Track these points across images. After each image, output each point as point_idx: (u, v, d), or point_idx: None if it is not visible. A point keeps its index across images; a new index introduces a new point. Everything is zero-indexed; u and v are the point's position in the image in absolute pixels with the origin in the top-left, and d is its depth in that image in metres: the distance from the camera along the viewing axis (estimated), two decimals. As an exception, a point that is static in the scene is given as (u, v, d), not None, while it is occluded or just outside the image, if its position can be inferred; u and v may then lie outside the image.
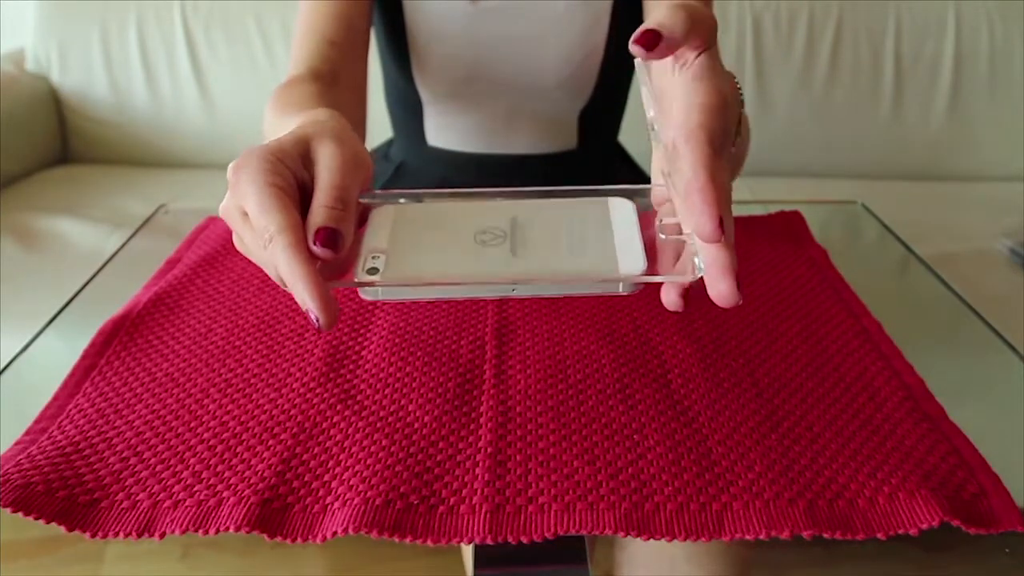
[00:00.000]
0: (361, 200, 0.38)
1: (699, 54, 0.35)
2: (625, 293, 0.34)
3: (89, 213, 1.31)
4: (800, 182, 1.54)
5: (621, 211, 0.37)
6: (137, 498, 0.36)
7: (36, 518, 0.35)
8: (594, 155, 0.85)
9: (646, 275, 0.33)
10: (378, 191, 0.40)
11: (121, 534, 0.35)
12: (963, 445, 0.40)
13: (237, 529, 0.35)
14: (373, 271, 0.34)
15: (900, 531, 0.35)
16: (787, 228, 0.64)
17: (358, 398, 0.43)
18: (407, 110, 0.83)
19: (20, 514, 0.35)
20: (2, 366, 0.49)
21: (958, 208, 1.41)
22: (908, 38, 1.51)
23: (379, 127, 0.89)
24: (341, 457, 0.39)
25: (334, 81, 0.63)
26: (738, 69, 1.50)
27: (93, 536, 0.35)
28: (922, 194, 1.48)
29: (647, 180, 0.41)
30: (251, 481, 0.37)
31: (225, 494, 0.36)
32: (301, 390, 0.43)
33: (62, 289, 0.57)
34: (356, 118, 0.62)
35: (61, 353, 0.50)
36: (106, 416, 0.42)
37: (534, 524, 0.35)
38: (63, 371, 0.46)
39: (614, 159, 0.89)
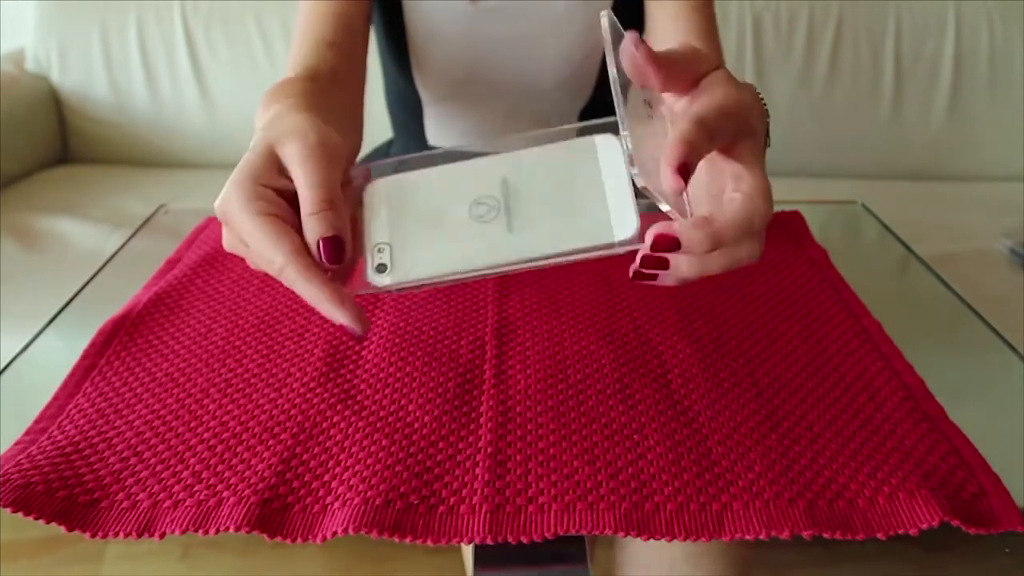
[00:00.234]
0: (353, 177, 0.38)
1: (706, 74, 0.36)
2: (623, 252, 0.35)
3: (89, 213, 1.31)
4: (800, 182, 1.54)
5: (609, 153, 0.37)
6: (137, 498, 0.36)
7: (36, 518, 0.35)
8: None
9: (639, 240, 0.35)
10: (362, 164, 0.40)
11: (121, 534, 0.35)
12: (963, 445, 0.40)
13: (237, 529, 0.35)
14: (382, 268, 0.36)
15: (900, 531, 0.35)
16: (787, 228, 0.64)
17: (358, 398, 0.43)
18: (407, 110, 0.83)
19: (20, 514, 0.35)
20: (2, 366, 0.49)
21: (958, 208, 1.41)
22: (908, 38, 1.51)
23: (379, 127, 0.89)
24: (341, 457, 0.39)
25: (333, 81, 0.63)
26: (738, 69, 1.50)
27: (93, 536, 0.35)
28: (922, 194, 1.48)
29: None
30: (251, 481, 0.37)
31: (225, 494, 0.36)
32: (301, 390, 0.43)
33: (62, 289, 0.57)
34: (354, 118, 0.62)
35: (61, 353, 0.50)
36: (106, 416, 0.42)
37: (534, 524, 0.35)
38: (63, 371, 0.46)
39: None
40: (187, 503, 0.36)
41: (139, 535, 0.35)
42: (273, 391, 0.44)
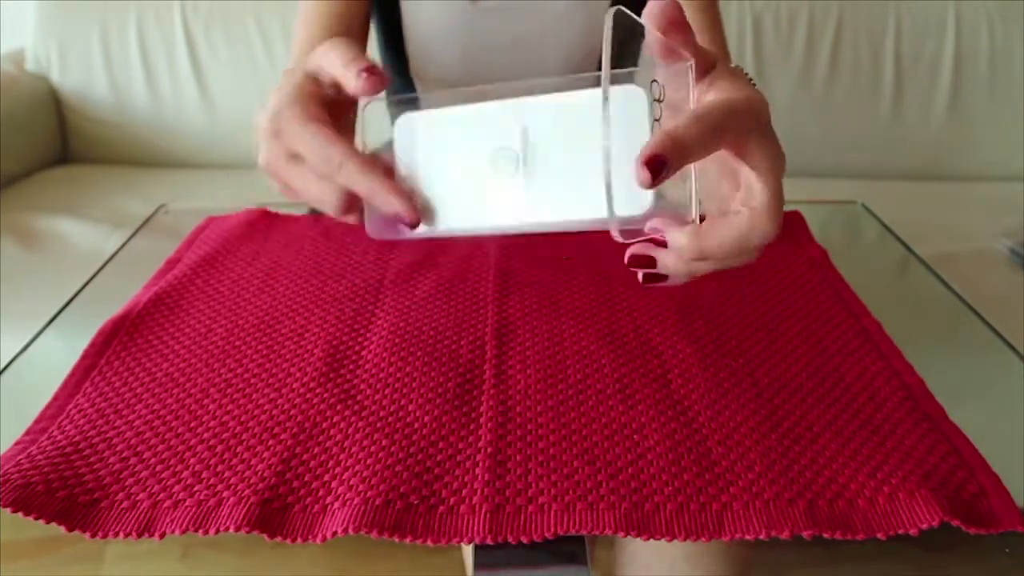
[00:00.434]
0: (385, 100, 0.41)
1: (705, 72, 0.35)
2: (632, 228, 0.35)
3: (89, 213, 1.31)
4: (800, 182, 1.53)
5: (633, 110, 0.34)
6: (137, 498, 0.36)
7: (36, 518, 0.35)
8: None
9: (648, 217, 0.34)
10: (393, 97, 0.42)
11: (121, 534, 0.35)
12: (963, 445, 0.40)
13: (237, 529, 0.35)
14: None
15: (900, 531, 0.35)
16: (787, 228, 0.64)
17: (358, 398, 0.43)
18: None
19: (20, 514, 0.35)
20: (2, 366, 0.49)
21: (958, 208, 1.41)
22: (908, 38, 1.51)
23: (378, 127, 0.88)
24: (341, 457, 0.39)
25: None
26: (738, 69, 1.50)
27: (93, 536, 0.35)
28: (922, 194, 1.48)
29: None
30: (251, 481, 0.37)
31: (225, 494, 0.36)
32: (301, 390, 0.43)
33: (62, 289, 0.57)
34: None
35: (61, 353, 0.50)
36: (106, 416, 0.42)
37: (534, 524, 0.35)
38: (63, 371, 0.46)
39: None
40: (187, 503, 0.36)
41: (139, 535, 0.35)
42: (273, 391, 0.44)
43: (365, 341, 0.48)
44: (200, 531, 0.35)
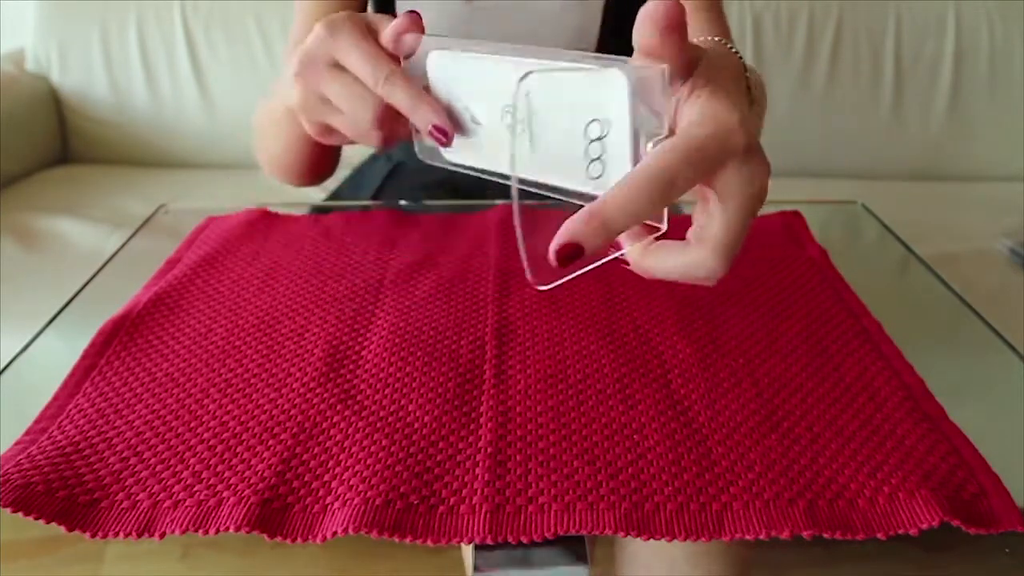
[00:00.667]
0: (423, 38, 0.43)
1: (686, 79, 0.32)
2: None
3: (89, 213, 1.31)
4: (800, 182, 1.54)
5: (618, 97, 0.32)
6: (137, 498, 0.36)
7: (36, 518, 0.35)
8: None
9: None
10: (430, 35, 0.44)
11: (121, 534, 0.35)
12: (963, 445, 0.40)
13: (237, 529, 0.35)
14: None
15: (900, 531, 0.35)
16: (787, 228, 0.64)
17: (358, 398, 0.43)
18: None
19: (20, 514, 0.35)
20: (2, 366, 0.49)
21: (958, 208, 1.41)
22: (908, 38, 1.51)
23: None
24: (341, 457, 0.39)
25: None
26: (738, 69, 1.50)
27: (93, 536, 0.35)
28: (922, 194, 1.48)
29: None
30: (251, 481, 0.37)
31: (225, 494, 0.36)
32: (301, 390, 0.43)
33: (62, 289, 0.57)
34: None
35: (61, 353, 0.50)
36: (106, 416, 0.42)
37: (534, 524, 0.35)
38: (63, 371, 0.46)
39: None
40: (187, 503, 0.36)
41: (139, 535, 0.35)
42: (273, 391, 0.44)
43: (365, 341, 0.48)
44: (200, 531, 0.35)
